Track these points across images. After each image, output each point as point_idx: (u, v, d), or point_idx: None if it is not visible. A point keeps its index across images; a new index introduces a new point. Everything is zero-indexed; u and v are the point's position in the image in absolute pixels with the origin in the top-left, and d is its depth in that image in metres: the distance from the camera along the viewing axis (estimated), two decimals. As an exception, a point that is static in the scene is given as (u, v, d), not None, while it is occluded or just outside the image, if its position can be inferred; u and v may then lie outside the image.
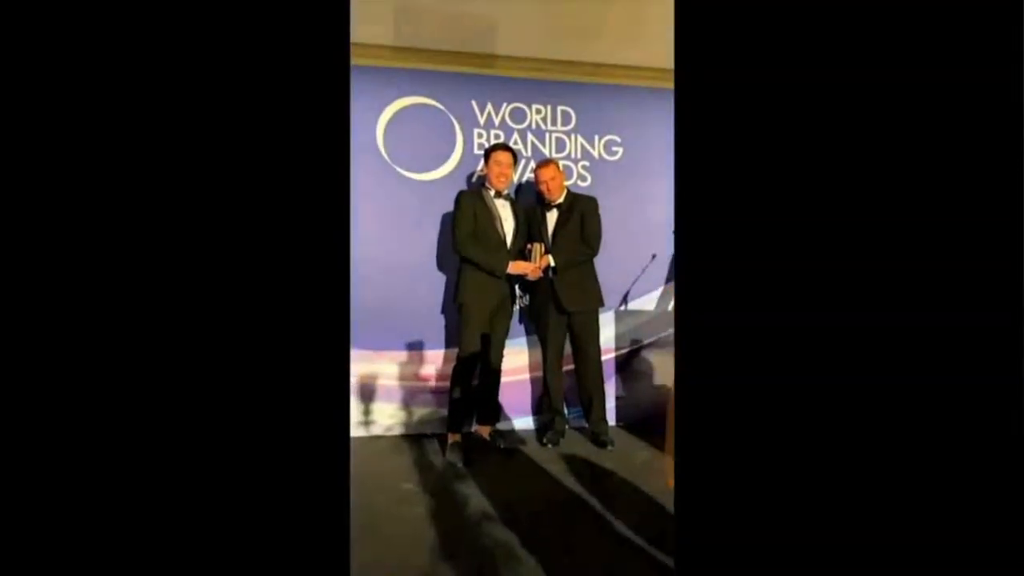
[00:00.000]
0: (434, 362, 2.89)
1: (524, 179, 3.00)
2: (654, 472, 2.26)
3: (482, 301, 2.52)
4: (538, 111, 3.03)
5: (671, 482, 2.04)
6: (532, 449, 2.61)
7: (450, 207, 2.61)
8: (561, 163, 2.85)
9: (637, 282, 3.05)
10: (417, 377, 2.87)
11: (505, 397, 2.84)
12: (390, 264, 2.82)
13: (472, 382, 2.58)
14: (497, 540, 1.66)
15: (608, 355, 2.97)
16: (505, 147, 2.63)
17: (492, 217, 2.57)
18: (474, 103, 2.97)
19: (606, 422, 2.73)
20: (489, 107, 2.98)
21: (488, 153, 2.61)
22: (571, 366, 2.79)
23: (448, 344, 2.88)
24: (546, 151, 3.02)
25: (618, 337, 3.05)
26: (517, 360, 2.95)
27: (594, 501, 2.02)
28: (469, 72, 2.96)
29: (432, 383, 2.88)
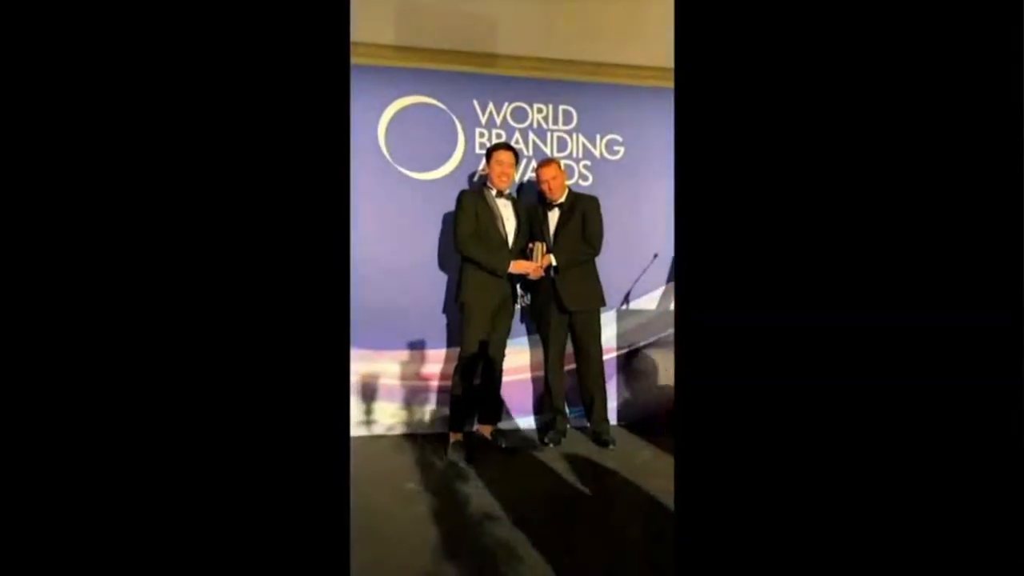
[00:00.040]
0: (436, 361, 2.89)
1: (526, 178, 3.00)
2: (655, 472, 2.26)
3: (484, 300, 2.52)
4: (539, 110, 3.03)
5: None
6: (533, 448, 2.61)
7: (452, 206, 2.61)
8: (563, 162, 2.85)
9: (639, 281, 3.04)
10: (419, 376, 2.88)
11: (507, 396, 2.84)
12: (392, 263, 2.82)
13: (474, 381, 2.58)
14: (498, 539, 1.66)
15: (610, 354, 2.97)
16: (507, 146, 2.63)
17: (494, 216, 2.56)
18: (475, 102, 2.97)
19: (607, 421, 2.73)
20: (491, 106, 2.98)
21: (490, 152, 2.61)
22: (572, 365, 2.79)
23: (450, 343, 2.88)
24: (547, 150, 3.02)
25: (619, 336, 3.05)
26: (518, 359, 2.95)
27: (595, 501, 2.02)
28: (470, 71, 2.96)
29: (434, 382, 2.89)
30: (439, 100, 2.93)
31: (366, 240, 2.73)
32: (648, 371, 3.05)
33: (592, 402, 2.69)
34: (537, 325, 2.82)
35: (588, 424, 2.73)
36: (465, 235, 2.51)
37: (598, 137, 3.09)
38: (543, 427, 2.86)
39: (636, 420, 3.00)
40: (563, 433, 2.70)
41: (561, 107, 3.05)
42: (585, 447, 2.61)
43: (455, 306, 2.62)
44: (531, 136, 3.02)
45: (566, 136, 3.06)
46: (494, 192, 2.60)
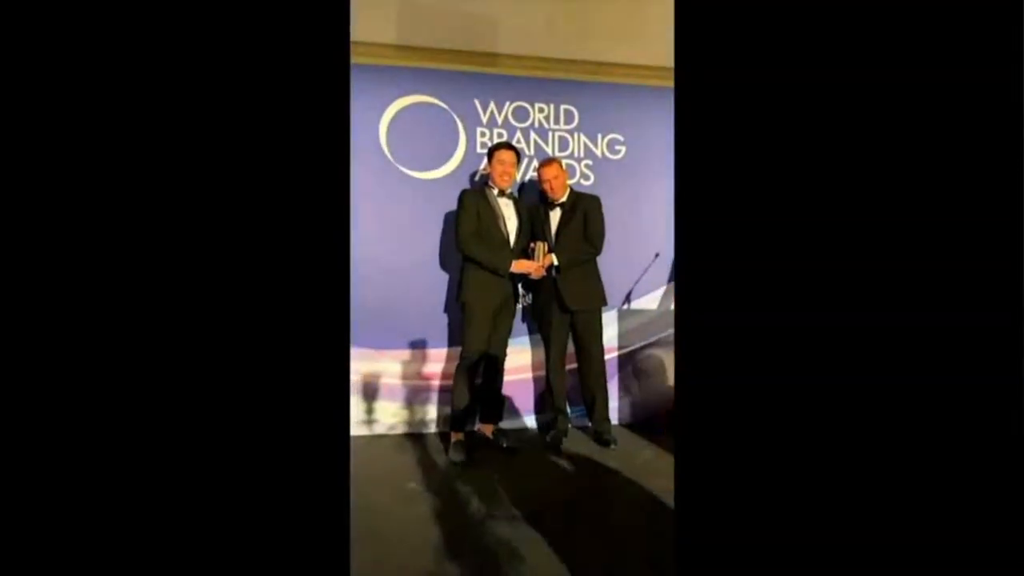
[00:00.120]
0: (437, 361, 2.89)
1: (527, 178, 3.00)
2: (657, 471, 2.26)
3: (485, 300, 2.52)
4: (541, 110, 3.02)
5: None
6: (535, 448, 2.61)
7: (453, 206, 2.61)
8: (564, 162, 2.85)
9: (640, 281, 3.04)
10: (420, 376, 2.88)
11: (508, 396, 2.84)
12: (393, 263, 2.83)
13: (475, 381, 2.59)
14: (500, 539, 1.66)
15: (611, 354, 2.97)
16: (508, 146, 2.63)
17: (495, 216, 2.56)
18: (477, 102, 2.97)
19: (609, 421, 2.73)
20: (492, 105, 2.98)
21: (491, 152, 2.61)
22: (574, 365, 2.79)
23: (451, 343, 2.89)
24: (549, 150, 3.02)
25: (621, 336, 3.04)
26: (520, 359, 2.95)
27: (597, 500, 2.02)
28: (472, 71, 2.96)
29: (435, 382, 2.89)
30: (440, 99, 2.93)
31: (368, 239, 2.73)
32: (653, 371, 3.04)
33: (593, 402, 2.69)
34: (539, 325, 2.81)
35: (589, 424, 2.73)
36: (467, 234, 2.51)
37: (599, 136, 3.08)
38: (544, 427, 2.86)
39: (641, 420, 2.99)
40: (564, 433, 2.70)
41: (562, 106, 3.04)
42: (586, 447, 2.61)
43: (456, 305, 2.63)
44: (532, 135, 3.02)
45: (567, 135, 3.06)
46: (496, 191, 2.60)
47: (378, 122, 2.86)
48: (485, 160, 2.78)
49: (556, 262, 2.58)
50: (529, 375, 2.99)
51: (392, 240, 2.84)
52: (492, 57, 2.97)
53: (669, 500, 1.93)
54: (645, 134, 3.09)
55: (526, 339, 2.98)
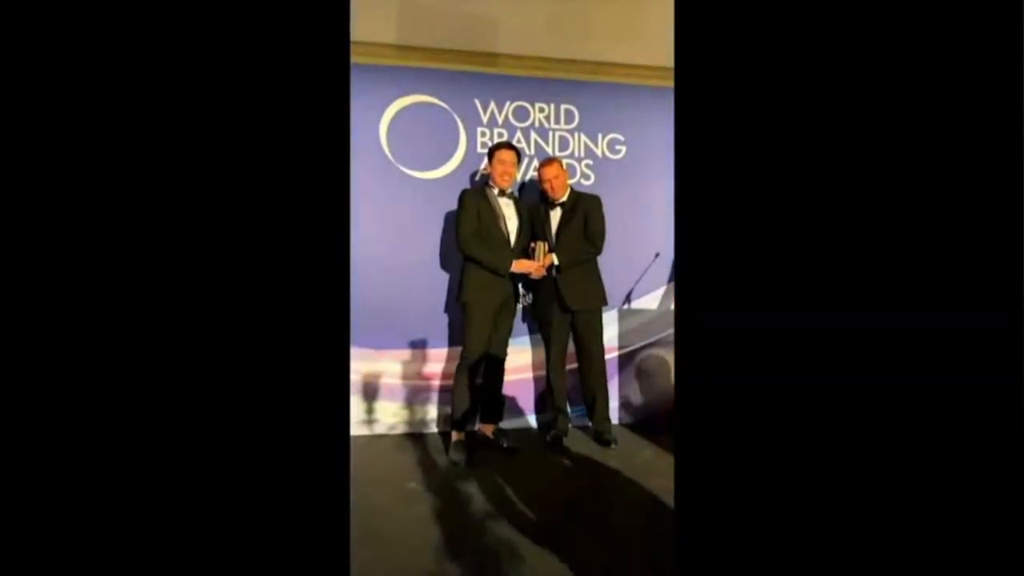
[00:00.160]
0: (437, 361, 2.89)
1: (527, 178, 3.00)
2: (657, 471, 2.26)
3: (486, 300, 2.52)
4: (541, 109, 3.02)
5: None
6: (535, 448, 2.61)
7: (453, 206, 2.62)
8: (564, 162, 2.85)
9: (640, 281, 3.04)
10: (420, 376, 2.88)
11: (508, 396, 2.84)
12: (393, 262, 2.83)
13: (475, 381, 2.59)
14: (500, 539, 1.66)
15: (611, 354, 2.97)
16: (508, 145, 2.63)
17: (496, 216, 2.56)
18: (477, 101, 2.97)
19: (609, 421, 2.74)
20: (492, 105, 2.98)
21: (491, 151, 2.61)
22: (574, 365, 2.79)
23: (451, 343, 2.89)
24: (549, 149, 3.02)
25: (621, 336, 3.04)
26: (520, 359, 2.95)
27: (597, 500, 2.02)
28: (472, 70, 2.96)
29: (435, 382, 2.89)
30: (440, 99, 2.93)
31: (368, 239, 2.73)
32: (655, 371, 3.04)
33: (594, 401, 2.69)
34: (539, 324, 2.82)
35: (590, 423, 2.74)
36: (467, 234, 2.51)
37: (600, 136, 3.08)
38: (545, 426, 2.86)
39: (638, 419, 2.99)
40: (565, 432, 2.70)
41: (563, 106, 3.04)
42: (587, 446, 2.61)
43: (457, 305, 2.63)
44: (533, 135, 3.02)
45: (568, 135, 3.06)
46: (496, 191, 2.60)
47: (378, 122, 2.86)
48: (485, 160, 2.78)
49: (556, 262, 2.58)
50: (529, 375, 2.99)
51: (392, 240, 2.84)
52: (492, 57, 2.97)
53: (669, 500, 1.93)
54: (645, 134, 3.09)
55: (526, 339, 2.98)
